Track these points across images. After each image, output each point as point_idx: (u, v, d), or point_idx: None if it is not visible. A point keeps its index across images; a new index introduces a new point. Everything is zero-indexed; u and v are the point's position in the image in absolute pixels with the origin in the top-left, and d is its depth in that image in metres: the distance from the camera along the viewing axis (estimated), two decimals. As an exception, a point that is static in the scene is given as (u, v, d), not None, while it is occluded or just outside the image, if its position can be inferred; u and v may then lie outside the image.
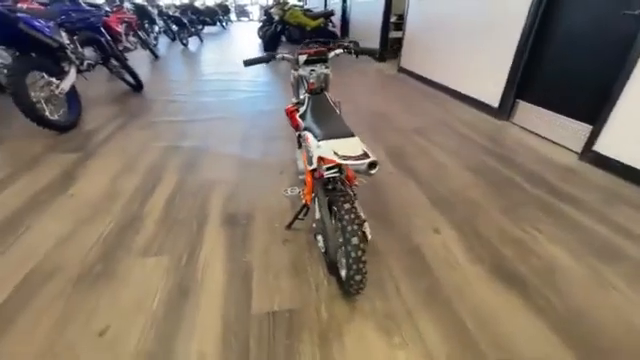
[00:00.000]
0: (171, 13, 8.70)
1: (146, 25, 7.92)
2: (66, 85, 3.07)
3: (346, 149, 1.15)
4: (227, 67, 6.04)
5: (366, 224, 1.41)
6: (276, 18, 7.50)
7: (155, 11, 8.55)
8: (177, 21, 8.67)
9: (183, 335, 1.25)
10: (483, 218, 1.91)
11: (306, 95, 1.67)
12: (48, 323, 1.29)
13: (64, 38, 3.24)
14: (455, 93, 4.16)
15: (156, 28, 8.75)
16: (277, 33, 7.62)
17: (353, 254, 1.17)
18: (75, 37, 3.43)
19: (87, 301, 1.38)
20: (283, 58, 1.70)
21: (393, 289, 1.45)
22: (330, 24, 8.08)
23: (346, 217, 1.20)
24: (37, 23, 2.85)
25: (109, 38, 4.05)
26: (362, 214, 1.45)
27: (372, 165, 1.18)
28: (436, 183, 2.27)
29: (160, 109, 3.78)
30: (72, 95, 3.22)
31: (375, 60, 6.62)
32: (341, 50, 1.77)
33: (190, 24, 9.14)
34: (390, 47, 6.57)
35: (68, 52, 3.22)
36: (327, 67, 1.76)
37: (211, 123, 3.35)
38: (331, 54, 1.74)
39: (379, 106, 3.92)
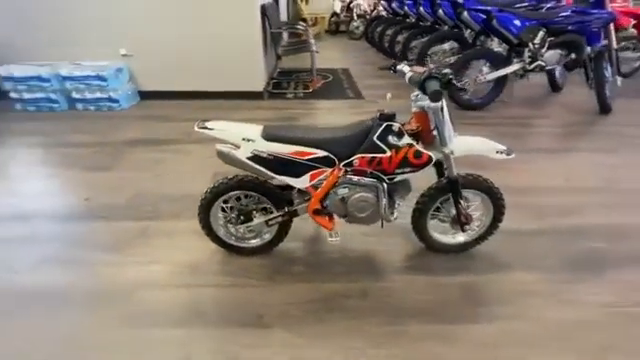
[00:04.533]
0: None
1: None
2: (493, 75, 3.53)
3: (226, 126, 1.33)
4: None
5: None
6: None
7: None
8: None
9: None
10: None
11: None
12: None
13: (537, 37, 3.42)
14: None
15: None
16: None
17: None
18: (551, 38, 3.43)
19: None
20: (403, 71, 1.42)
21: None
22: None
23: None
24: (508, 21, 3.33)
25: (614, 46, 3.45)
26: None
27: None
28: None
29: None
30: (497, 85, 3.63)
31: None
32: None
33: None
34: None
35: (525, 50, 3.45)
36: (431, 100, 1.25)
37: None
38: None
39: None
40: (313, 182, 1.37)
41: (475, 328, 1.31)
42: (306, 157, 1.31)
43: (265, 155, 1.30)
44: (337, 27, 10.05)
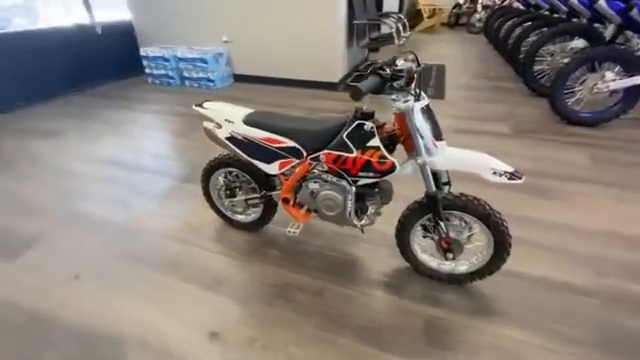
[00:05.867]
0: None
1: None
2: (620, 84, 2.69)
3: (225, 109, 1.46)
4: None
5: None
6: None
7: None
8: None
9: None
10: None
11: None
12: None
13: None
14: None
15: None
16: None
17: None
18: None
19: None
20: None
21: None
22: None
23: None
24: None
25: None
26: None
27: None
28: None
29: None
30: (627, 96, 2.76)
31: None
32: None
33: None
34: None
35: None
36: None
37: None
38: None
39: None
40: (282, 170, 1.39)
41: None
42: (275, 145, 1.34)
43: (240, 137, 1.39)
44: (457, 19, 9.14)
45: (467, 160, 1.16)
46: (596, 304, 1.34)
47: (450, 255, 1.30)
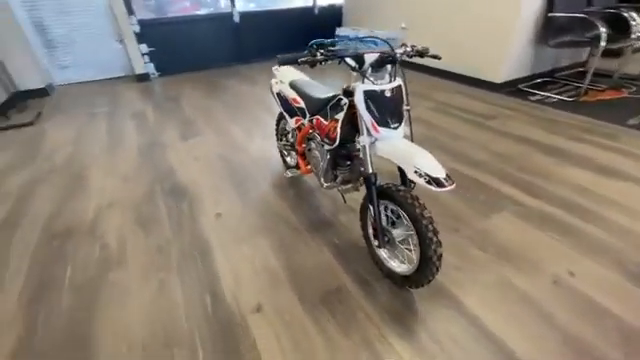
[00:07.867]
0: None
1: None
2: None
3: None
4: None
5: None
6: None
7: None
8: None
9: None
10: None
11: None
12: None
13: None
14: None
15: None
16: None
17: None
18: None
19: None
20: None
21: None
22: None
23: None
24: None
25: None
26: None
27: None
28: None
29: None
30: None
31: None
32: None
33: None
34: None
35: None
36: None
37: None
38: None
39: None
40: (296, 126, 1.73)
41: (291, 304, 1.35)
42: (296, 104, 1.69)
43: (283, 94, 1.82)
44: None
45: (399, 153, 1.15)
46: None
47: (376, 242, 1.32)
